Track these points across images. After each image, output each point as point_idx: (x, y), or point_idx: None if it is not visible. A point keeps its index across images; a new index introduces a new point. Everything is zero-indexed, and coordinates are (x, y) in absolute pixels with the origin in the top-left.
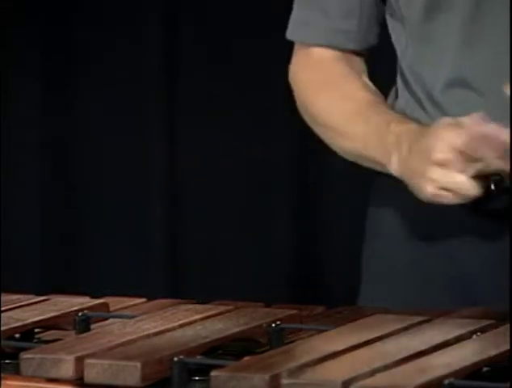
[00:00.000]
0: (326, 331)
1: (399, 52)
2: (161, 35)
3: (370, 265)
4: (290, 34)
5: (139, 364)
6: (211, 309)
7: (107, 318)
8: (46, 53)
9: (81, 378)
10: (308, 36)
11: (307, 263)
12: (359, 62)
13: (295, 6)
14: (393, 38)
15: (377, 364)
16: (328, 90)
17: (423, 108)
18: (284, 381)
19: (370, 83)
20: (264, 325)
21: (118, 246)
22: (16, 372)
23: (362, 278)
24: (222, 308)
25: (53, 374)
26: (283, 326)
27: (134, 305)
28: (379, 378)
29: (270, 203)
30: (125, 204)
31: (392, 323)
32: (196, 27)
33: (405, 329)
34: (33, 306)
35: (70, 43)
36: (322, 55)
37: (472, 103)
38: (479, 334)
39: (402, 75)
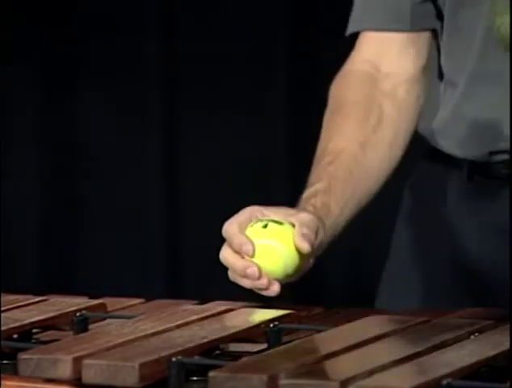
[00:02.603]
0: (324, 331)
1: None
2: (162, 36)
3: None
4: (351, 27)
5: (137, 365)
6: (209, 309)
7: (104, 319)
8: (46, 52)
9: (79, 379)
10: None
11: None
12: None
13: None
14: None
15: (375, 364)
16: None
17: None
18: (282, 381)
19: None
20: (262, 325)
21: (116, 247)
22: (14, 372)
23: None
24: (220, 308)
25: (51, 375)
26: (281, 326)
27: (132, 305)
28: (377, 378)
29: (269, 203)
30: (124, 204)
31: (390, 323)
32: (196, 28)
33: (404, 329)
34: (31, 307)
35: (70, 42)
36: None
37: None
38: (477, 334)
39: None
